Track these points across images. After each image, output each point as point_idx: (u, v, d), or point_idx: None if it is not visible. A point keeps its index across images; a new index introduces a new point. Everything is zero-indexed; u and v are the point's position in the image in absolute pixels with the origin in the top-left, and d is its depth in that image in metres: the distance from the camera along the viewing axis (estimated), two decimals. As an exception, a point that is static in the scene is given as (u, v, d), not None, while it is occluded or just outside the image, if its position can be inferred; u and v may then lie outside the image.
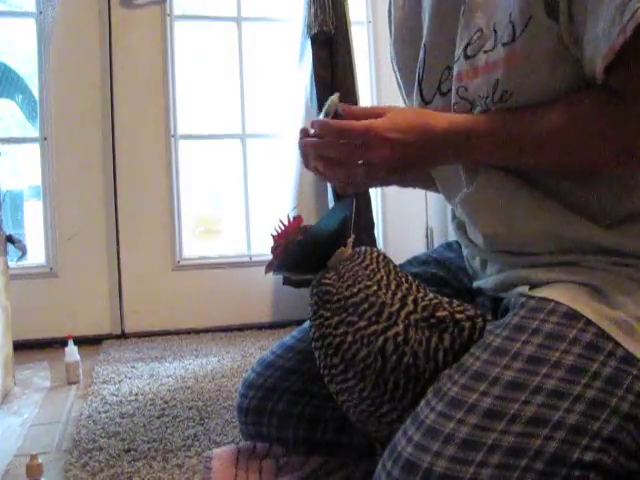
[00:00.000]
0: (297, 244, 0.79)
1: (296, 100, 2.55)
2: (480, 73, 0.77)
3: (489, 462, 0.56)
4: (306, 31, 2.47)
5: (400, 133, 0.75)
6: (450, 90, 0.84)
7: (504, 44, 0.73)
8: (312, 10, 2.43)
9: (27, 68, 2.73)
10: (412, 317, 0.72)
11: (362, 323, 0.72)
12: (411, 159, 0.77)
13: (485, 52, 0.76)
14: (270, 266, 0.82)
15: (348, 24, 2.50)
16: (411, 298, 0.74)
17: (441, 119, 0.77)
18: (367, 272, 0.76)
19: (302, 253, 0.79)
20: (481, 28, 0.77)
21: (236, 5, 2.67)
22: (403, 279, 0.78)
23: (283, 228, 0.82)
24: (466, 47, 0.79)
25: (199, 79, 2.74)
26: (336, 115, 0.79)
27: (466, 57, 0.79)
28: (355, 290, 0.75)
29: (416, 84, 0.90)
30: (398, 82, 1.02)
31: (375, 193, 2.71)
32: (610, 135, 0.70)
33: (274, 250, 0.82)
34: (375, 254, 0.80)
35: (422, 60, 0.88)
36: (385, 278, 0.76)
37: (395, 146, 0.74)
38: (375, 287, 0.75)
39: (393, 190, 2.47)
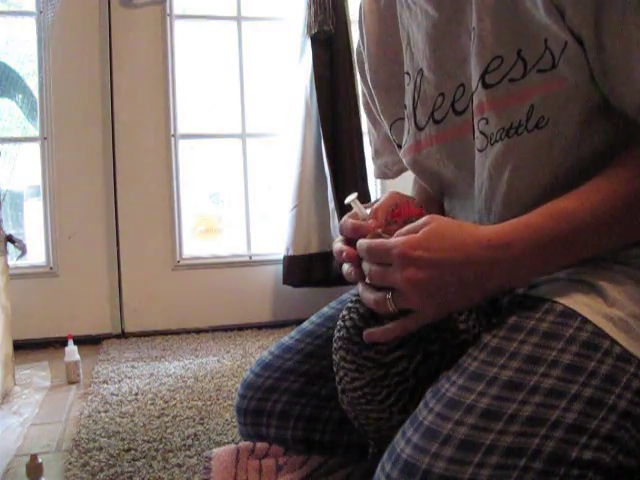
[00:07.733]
0: None
1: (296, 100, 2.55)
2: (509, 102, 0.73)
3: (487, 462, 0.56)
4: (306, 31, 2.47)
5: (429, 251, 0.65)
6: (444, 118, 0.82)
7: (541, 70, 0.70)
8: (312, 10, 2.44)
9: (27, 68, 2.73)
10: None
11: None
12: (447, 284, 0.65)
13: (511, 80, 0.72)
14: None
15: (348, 24, 2.50)
16: None
17: (485, 230, 0.68)
18: None
19: None
20: (500, 55, 0.72)
21: (236, 5, 2.67)
22: None
23: (403, 208, 0.73)
24: (483, 75, 0.74)
25: (199, 79, 2.74)
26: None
27: (485, 86, 0.74)
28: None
29: (410, 109, 0.88)
30: (372, 103, 0.98)
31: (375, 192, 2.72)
32: None
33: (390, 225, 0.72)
34: None
35: (418, 85, 0.86)
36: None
37: (421, 265, 0.64)
38: None
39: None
